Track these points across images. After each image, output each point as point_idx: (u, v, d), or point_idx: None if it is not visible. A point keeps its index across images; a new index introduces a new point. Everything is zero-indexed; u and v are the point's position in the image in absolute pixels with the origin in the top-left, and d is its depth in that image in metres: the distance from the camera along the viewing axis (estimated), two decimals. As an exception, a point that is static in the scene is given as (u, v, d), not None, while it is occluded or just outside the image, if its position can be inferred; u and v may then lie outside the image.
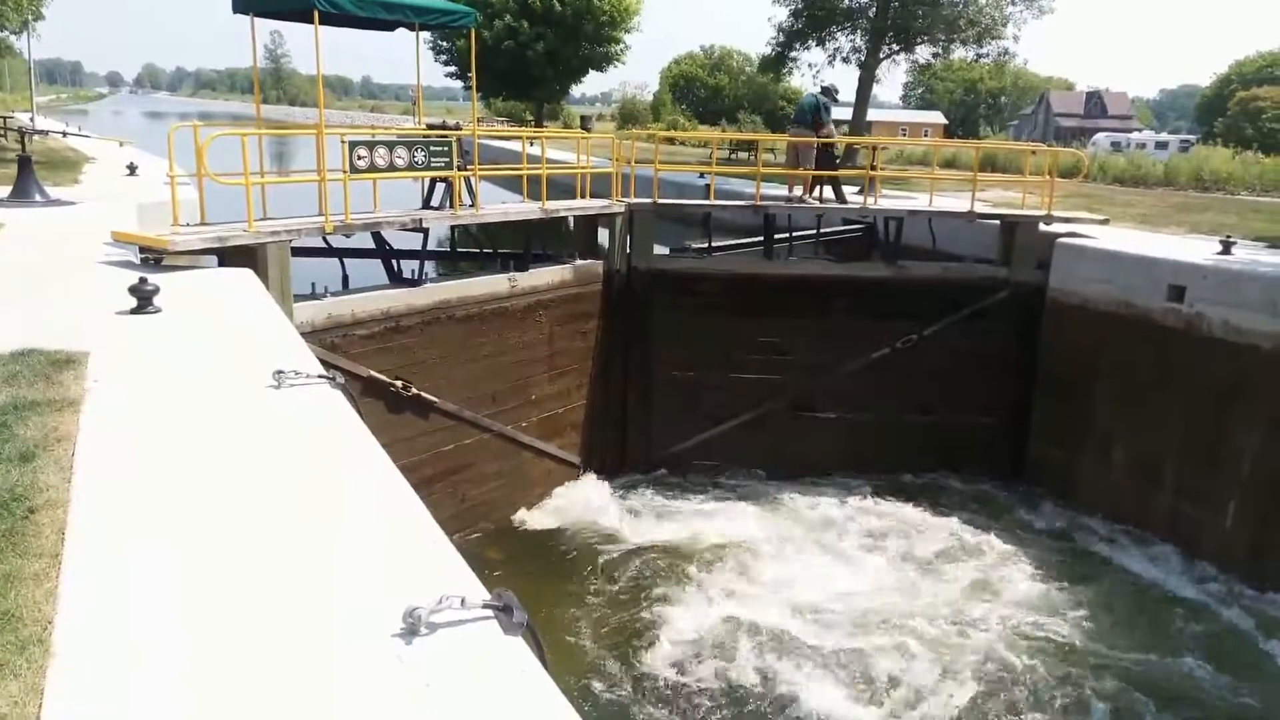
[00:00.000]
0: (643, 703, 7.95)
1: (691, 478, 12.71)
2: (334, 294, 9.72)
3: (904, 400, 12.72)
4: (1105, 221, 13.57)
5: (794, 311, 12.58)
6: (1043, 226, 12.67)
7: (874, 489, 12.32)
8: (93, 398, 4.32)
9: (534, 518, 11.60)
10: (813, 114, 13.70)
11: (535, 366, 11.68)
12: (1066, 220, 12.98)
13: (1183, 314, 10.65)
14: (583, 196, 12.40)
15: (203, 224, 8.70)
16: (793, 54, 34.37)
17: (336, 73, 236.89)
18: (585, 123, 58.06)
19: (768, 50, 35.21)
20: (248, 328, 5.87)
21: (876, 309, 12.57)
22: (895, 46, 31.82)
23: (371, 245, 10.74)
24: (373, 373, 9.65)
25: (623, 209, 12.38)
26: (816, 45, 33.21)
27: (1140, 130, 71.59)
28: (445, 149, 10.22)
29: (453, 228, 11.63)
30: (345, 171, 9.20)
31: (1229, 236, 11.74)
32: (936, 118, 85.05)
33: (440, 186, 10.67)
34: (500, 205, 12.03)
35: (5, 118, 27.52)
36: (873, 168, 14.06)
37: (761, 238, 13.67)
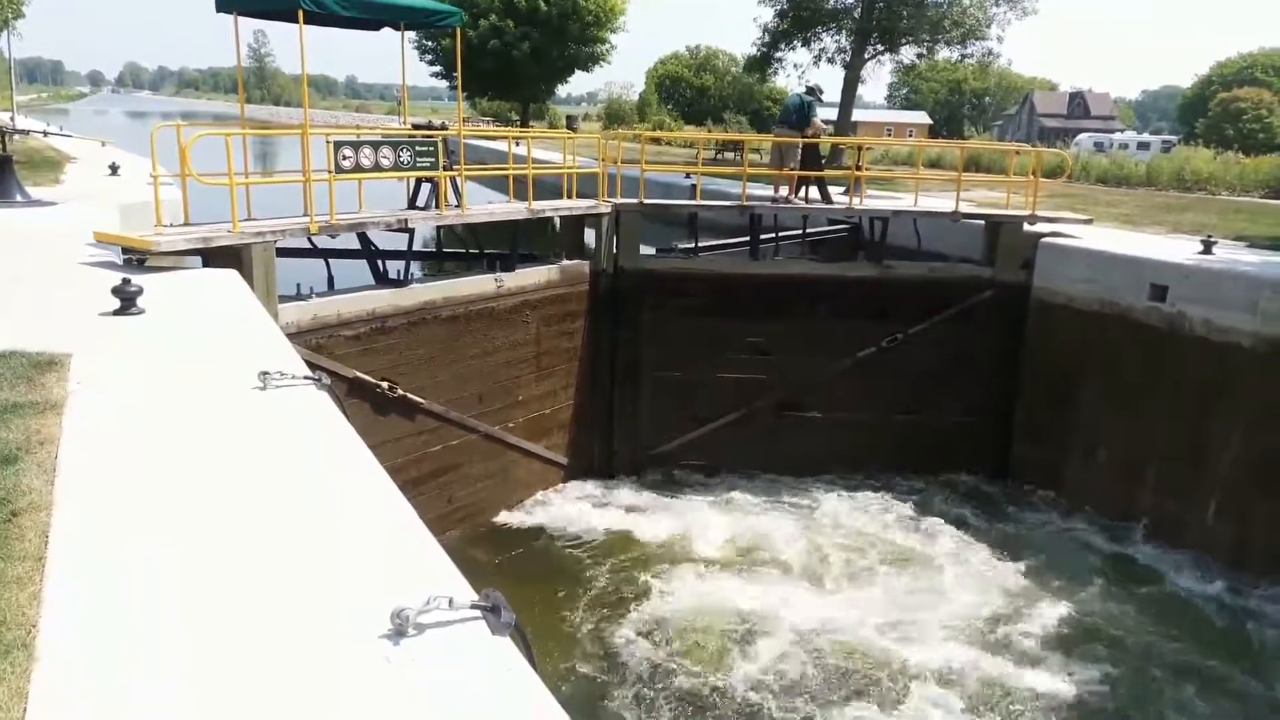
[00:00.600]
0: (630, 702, 7.95)
1: (678, 478, 12.73)
2: (319, 295, 9.68)
3: (889, 400, 12.78)
4: (1089, 221, 13.67)
5: (780, 311, 12.61)
6: (1027, 226, 12.75)
7: (859, 488, 12.37)
8: (76, 400, 4.28)
9: (521, 518, 11.59)
10: (798, 114, 13.75)
11: (522, 367, 11.67)
12: (1050, 220, 13.07)
13: (1165, 313, 10.74)
14: (569, 197, 12.39)
15: (186, 225, 8.65)
16: (778, 54, 34.46)
17: (321, 72, 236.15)
18: (571, 123, 58.00)
19: (753, 50, 35.28)
20: (232, 329, 5.84)
21: (862, 309, 12.62)
22: (880, 47, 31.94)
23: (357, 246, 10.70)
24: (359, 374, 9.61)
25: (609, 209, 12.38)
26: (802, 45, 33.31)
27: (1123, 131, 72.15)
28: (431, 149, 10.19)
29: (438, 228, 11.60)
30: (330, 172, 9.17)
31: (1210, 236, 11.85)
32: (921, 118, 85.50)
33: (426, 187, 10.64)
34: (486, 205, 12.01)
35: (-15, 117, 27.28)
36: (858, 168, 14.11)
37: (747, 238, 13.70)
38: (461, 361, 10.82)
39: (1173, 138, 56.56)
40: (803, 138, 13.67)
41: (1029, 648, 8.82)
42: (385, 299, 10.01)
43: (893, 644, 8.75)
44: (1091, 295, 11.61)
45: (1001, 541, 11.03)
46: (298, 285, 9.59)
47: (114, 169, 15.02)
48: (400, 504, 3.33)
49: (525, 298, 11.53)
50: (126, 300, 5.82)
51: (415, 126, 11.06)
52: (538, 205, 11.51)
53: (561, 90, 60.07)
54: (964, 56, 33.04)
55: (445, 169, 10.42)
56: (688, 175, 19.33)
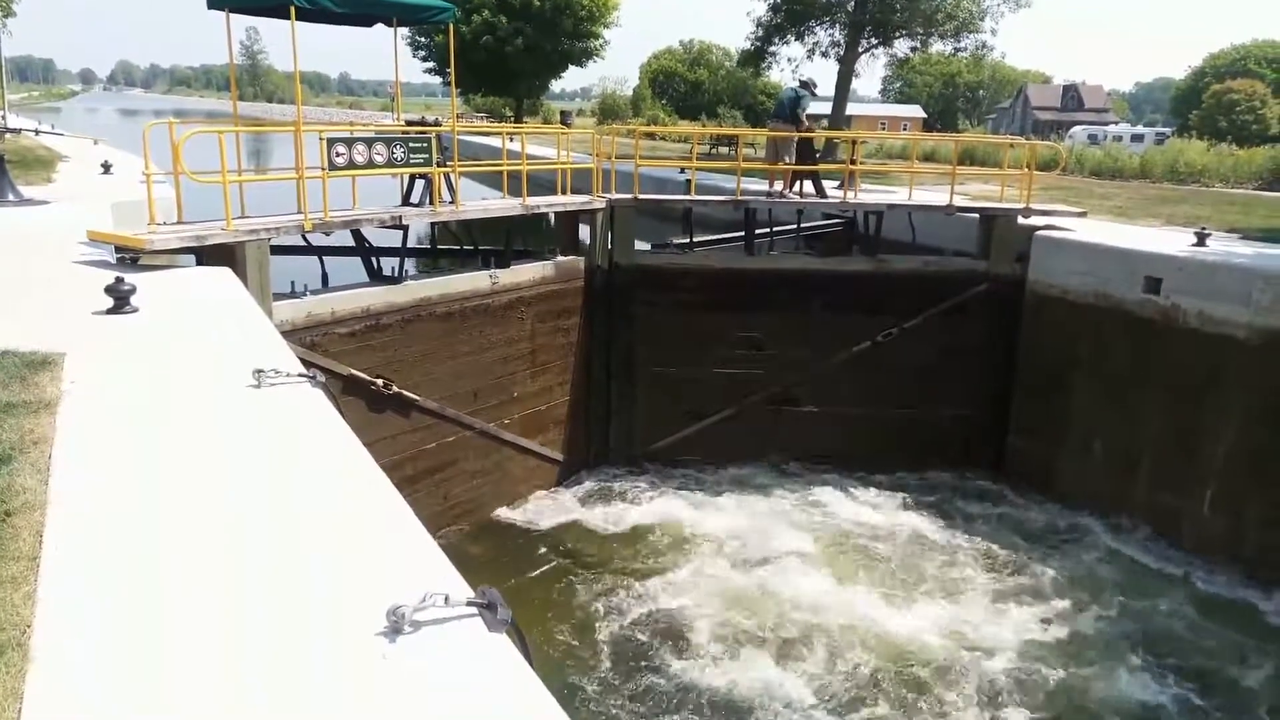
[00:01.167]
0: (627, 697, 7.97)
1: (674, 473, 12.73)
2: (314, 292, 9.66)
3: (884, 393, 12.78)
4: (1083, 214, 13.67)
5: (775, 306, 12.61)
6: (1021, 219, 12.77)
7: (854, 482, 12.38)
8: (69, 399, 4.27)
9: (516, 515, 11.59)
10: (792, 108, 13.74)
11: (517, 363, 11.66)
12: (1045, 213, 13.08)
13: (1159, 305, 10.76)
14: (563, 192, 12.38)
15: (180, 223, 8.62)
16: (772, 48, 34.54)
17: (314, 69, 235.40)
18: (565, 118, 57.91)
19: (747, 45, 35.33)
20: (227, 327, 5.83)
21: (857, 303, 12.62)
22: (874, 40, 32.00)
23: (351, 243, 10.68)
24: (353, 371, 9.60)
25: (603, 205, 12.37)
26: (795, 40, 33.39)
27: (1116, 123, 72.20)
28: (425, 145, 10.17)
29: (433, 225, 11.58)
30: (324, 169, 9.14)
31: (1204, 228, 11.86)
32: (915, 111, 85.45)
33: (420, 183, 10.62)
34: (481, 202, 11.99)
35: (-24, 116, 27.17)
36: (852, 162, 14.11)
37: (742, 233, 13.70)
38: (457, 358, 10.81)
39: (1166, 130, 56.63)
40: (797, 132, 13.67)
41: (1021, 641, 8.84)
42: (380, 296, 9.99)
43: (889, 637, 8.77)
44: (1086, 288, 11.62)
45: (996, 534, 11.06)
46: (292, 283, 9.56)
47: (106, 167, 14.97)
48: (396, 501, 3.33)
49: (520, 294, 11.52)
50: (120, 299, 5.81)
51: (409, 123, 11.03)
52: (532, 201, 11.49)
53: (555, 86, 60.06)
54: (958, 49, 33.18)
55: (439, 165, 10.40)
56: (682, 170, 19.35)
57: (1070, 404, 11.89)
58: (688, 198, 13.53)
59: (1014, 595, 9.68)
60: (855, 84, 34.69)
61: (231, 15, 9.68)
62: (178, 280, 7.17)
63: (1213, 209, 17.38)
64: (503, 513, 11.57)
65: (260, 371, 4.50)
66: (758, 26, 33.85)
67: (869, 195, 15.06)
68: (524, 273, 11.59)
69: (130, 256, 7.73)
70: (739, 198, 13.25)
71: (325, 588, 2.73)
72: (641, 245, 13.15)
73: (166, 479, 3.45)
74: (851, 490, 12.18)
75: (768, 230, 14.08)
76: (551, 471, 12.43)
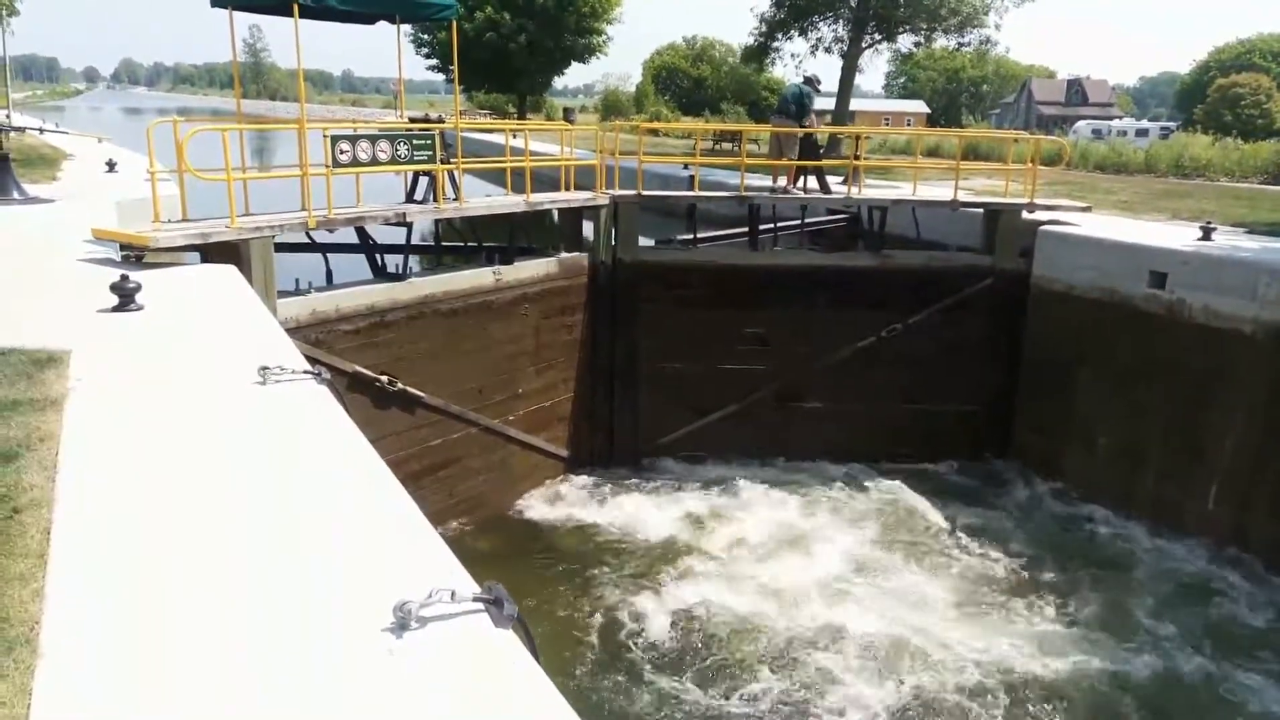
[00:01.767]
0: (633, 693, 7.97)
1: (678, 469, 12.73)
2: (318, 289, 9.67)
3: (889, 389, 12.77)
4: (1088, 209, 13.65)
5: (779, 302, 12.60)
6: (1026, 214, 12.74)
7: (860, 477, 12.38)
8: (75, 396, 4.28)
9: (522, 511, 11.60)
10: (795, 104, 13.71)
11: (521, 360, 11.67)
12: (1049, 208, 13.05)
13: (1164, 300, 10.73)
14: (567, 189, 12.37)
15: (184, 220, 8.63)
16: (775, 44, 34.46)
17: (317, 67, 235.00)
18: (568, 114, 57.86)
19: (750, 40, 35.26)
20: (231, 324, 5.84)
21: (861, 298, 12.60)
22: (877, 35, 31.92)
23: (355, 240, 10.69)
24: (358, 368, 9.61)
25: (607, 201, 12.36)
26: (799, 35, 33.31)
27: (1121, 118, 72.02)
28: (428, 142, 10.17)
29: (436, 221, 11.59)
30: (328, 166, 9.14)
31: (1209, 223, 11.83)
32: (919, 107, 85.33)
33: (423, 180, 10.62)
34: (484, 199, 11.98)
35: (-19, 115, 27.19)
36: (856, 157, 14.09)
37: (746, 229, 13.68)
38: (461, 355, 10.82)
39: (1171, 124, 56.48)
40: (801, 128, 13.64)
41: (1029, 634, 8.83)
42: (384, 293, 10.00)
43: (898, 631, 8.75)
44: (1091, 283, 11.60)
45: (1002, 529, 11.04)
46: (296, 280, 9.57)
47: (111, 165, 14.99)
48: (402, 497, 3.34)
49: (524, 290, 11.51)
50: (125, 297, 5.82)
51: (412, 120, 11.03)
52: (536, 198, 11.49)
53: (558, 82, 59.94)
54: (961, 44, 33.06)
55: (443, 162, 10.40)
56: (686, 166, 19.31)
57: (1076, 399, 11.87)
58: (691, 194, 13.51)
59: (1019, 590, 9.67)
60: (859, 79, 34.71)
61: (235, 13, 9.69)
62: (182, 278, 7.18)
63: (1218, 203, 17.32)
64: (508, 509, 11.58)
65: (265, 369, 4.51)
66: (761, 22, 33.79)
67: (873, 191, 15.02)
68: (528, 269, 11.59)
69: (135, 254, 7.74)
70: (743, 194, 13.24)
71: (331, 583, 2.73)
72: (645, 241, 13.14)
73: (172, 476, 3.46)
74: (856, 486, 12.18)
75: (772, 226, 14.06)
76: (556, 468, 12.44)
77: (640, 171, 12.81)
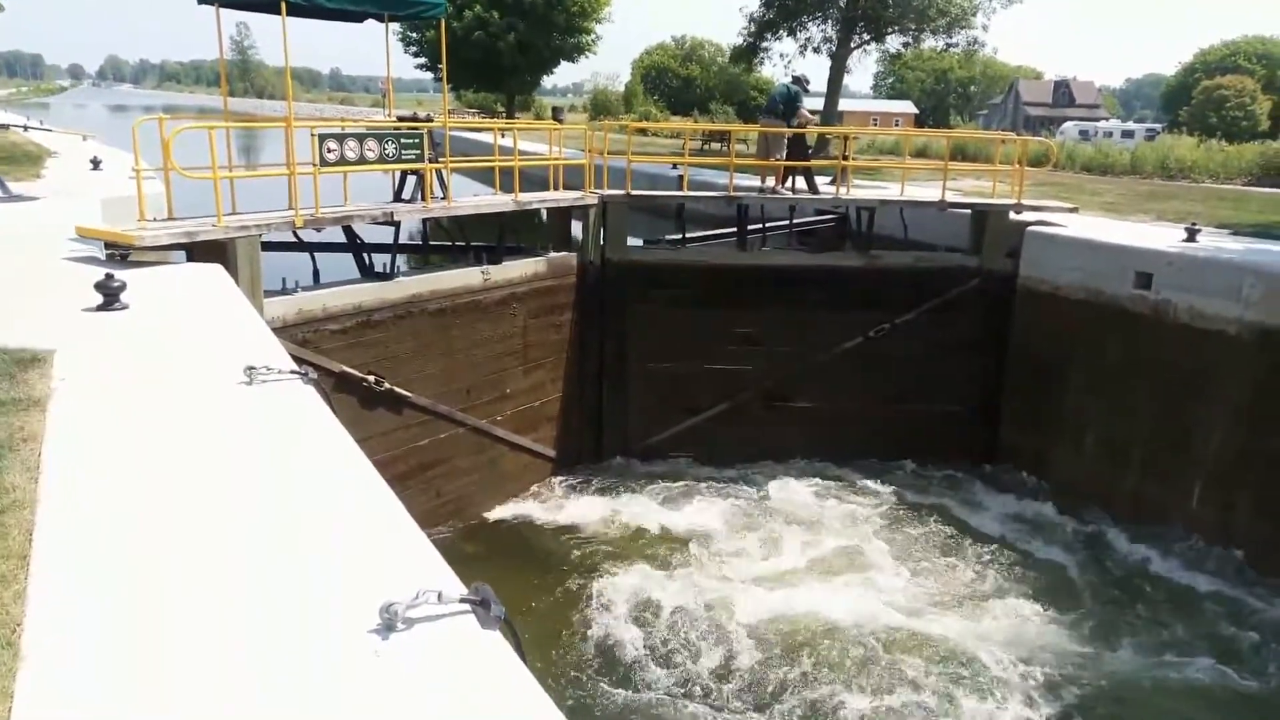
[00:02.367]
0: (621, 694, 7.97)
1: (667, 469, 12.73)
2: (305, 289, 9.63)
3: (877, 389, 12.81)
4: (1074, 210, 13.72)
5: (768, 302, 12.62)
6: (1013, 215, 12.80)
7: (848, 477, 12.41)
8: (59, 396, 4.25)
9: (510, 511, 11.58)
10: (784, 104, 13.73)
11: (509, 360, 11.65)
12: (1036, 209, 13.11)
13: (1150, 301, 10.80)
14: (555, 188, 12.35)
15: (170, 219, 8.58)
16: (764, 44, 34.51)
17: (305, 65, 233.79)
18: (557, 114, 57.81)
19: (739, 40, 35.30)
20: (218, 324, 5.80)
21: (849, 299, 12.64)
22: (866, 36, 32.00)
23: (342, 239, 10.64)
24: (345, 368, 9.58)
25: (596, 201, 12.35)
26: (788, 35, 33.36)
27: (1107, 119, 72.52)
28: (416, 141, 10.14)
29: (424, 221, 11.58)
30: (315, 165, 9.10)
31: (1194, 224, 11.91)
32: (907, 107, 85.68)
33: (411, 179, 10.59)
34: (472, 198, 11.96)
35: (-36, 112, 26.96)
36: (845, 157, 14.11)
37: (735, 229, 13.69)
38: (449, 355, 10.79)
39: (1157, 126, 56.92)
40: (789, 128, 13.66)
41: (1015, 634, 8.87)
42: (371, 292, 9.96)
43: (886, 630, 8.77)
44: (1077, 283, 11.66)
45: (989, 529, 11.10)
46: (283, 279, 9.52)
47: (96, 163, 14.87)
48: (388, 498, 3.32)
49: (512, 290, 11.49)
50: (110, 296, 5.78)
51: (400, 119, 10.99)
52: (524, 197, 11.47)
53: (547, 81, 59.93)
54: (950, 45, 33.18)
55: (431, 161, 10.37)
56: (674, 166, 19.28)
57: (1062, 398, 11.93)
58: (680, 193, 13.51)
59: (1007, 589, 9.71)
60: (847, 80, 34.73)
61: (222, 10, 9.63)
62: (168, 277, 7.14)
63: (1203, 205, 17.44)
64: (495, 509, 11.56)
65: (252, 368, 4.49)
66: (750, 22, 33.84)
67: (861, 191, 15.06)
68: (516, 269, 11.57)
69: (120, 253, 7.68)
70: (732, 194, 13.25)
71: (318, 585, 2.72)
72: (634, 241, 13.14)
73: (157, 476, 3.44)
74: (845, 485, 12.20)
75: (760, 226, 14.08)
76: (544, 468, 12.42)
77: (629, 171, 12.81)
